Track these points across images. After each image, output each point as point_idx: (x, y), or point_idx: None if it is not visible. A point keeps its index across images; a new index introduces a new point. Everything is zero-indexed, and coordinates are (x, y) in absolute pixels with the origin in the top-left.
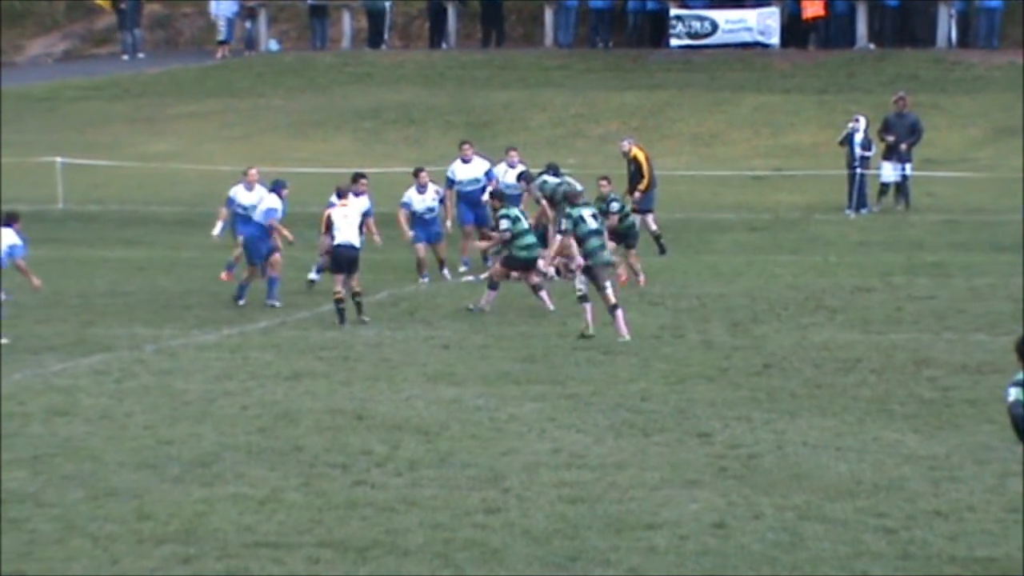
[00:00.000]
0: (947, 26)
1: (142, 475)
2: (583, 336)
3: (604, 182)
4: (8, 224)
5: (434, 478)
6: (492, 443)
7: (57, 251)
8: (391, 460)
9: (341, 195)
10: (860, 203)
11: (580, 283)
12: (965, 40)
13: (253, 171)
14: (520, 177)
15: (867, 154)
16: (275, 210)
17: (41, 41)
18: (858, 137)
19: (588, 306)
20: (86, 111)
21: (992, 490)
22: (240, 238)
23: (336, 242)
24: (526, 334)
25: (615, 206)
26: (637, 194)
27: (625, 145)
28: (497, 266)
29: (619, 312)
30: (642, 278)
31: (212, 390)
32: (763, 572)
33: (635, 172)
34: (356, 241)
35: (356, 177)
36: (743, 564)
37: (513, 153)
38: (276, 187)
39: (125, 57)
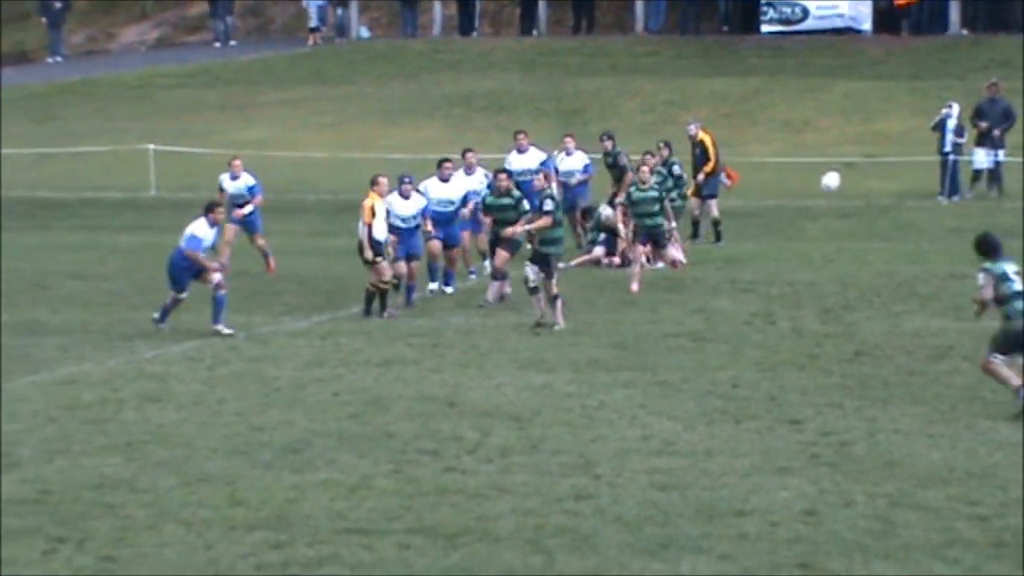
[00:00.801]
0: None
1: (234, 461)
2: (538, 325)
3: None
4: (204, 214)
5: (524, 464)
6: (583, 430)
7: (150, 237)
8: (481, 447)
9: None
10: (952, 190)
11: (532, 273)
12: None
13: (237, 161)
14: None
15: (960, 140)
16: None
17: (134, 29)
18: (951, 123)
19: (536, 298)
20: (178, 99)
21: None
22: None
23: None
24: (615, 321)
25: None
26: (701, 176)
27: (692, 129)
28: (502, 253)
29: (558, 302)
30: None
31: (303, 377)
32: (854, 559)
33: (701, 155)
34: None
35: (440, 163)
36: (834, 551)
37: (521, 138)
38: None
39: (217, 44)
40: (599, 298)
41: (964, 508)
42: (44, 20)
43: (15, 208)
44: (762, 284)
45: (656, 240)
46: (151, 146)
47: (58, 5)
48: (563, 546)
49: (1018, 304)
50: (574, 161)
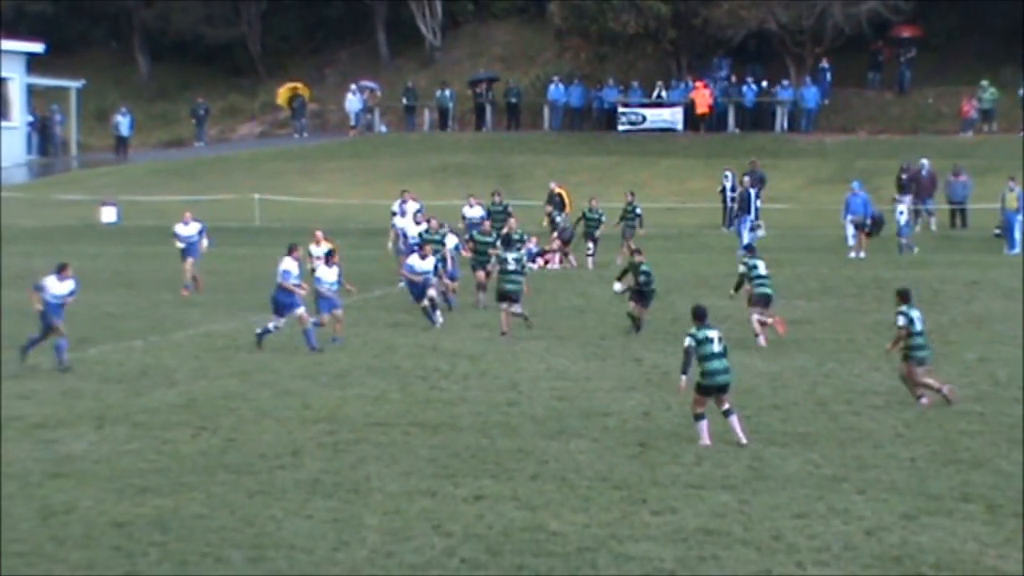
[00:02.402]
0: (781, 118)
1: (304, 382)
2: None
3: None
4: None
5: (477, 385)
6: (511, 364)
7: (255, 250)
8: (451, 374)
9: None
10: (729, 223)
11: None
12: (794, 127)
13: (187, 213)
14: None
15: (733, 195)
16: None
17: (246, 126)
18: (727, 184)
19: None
20: (272, 168)
21: (809, 391)
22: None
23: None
24: (530, 301)
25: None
26: (561, 218)
27: (552, 186)
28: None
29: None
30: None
31: (347, 332)
32: (671, 441)
33: (559, 203)
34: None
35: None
36: (660, 436)
37: (411, 198)
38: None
39: (296, 136)
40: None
41: (736, 411)
42: (193, 120)
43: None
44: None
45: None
46: (256, 196)
47: (202, 112)
48: (500, 433)
49: None
50: (475, 211)
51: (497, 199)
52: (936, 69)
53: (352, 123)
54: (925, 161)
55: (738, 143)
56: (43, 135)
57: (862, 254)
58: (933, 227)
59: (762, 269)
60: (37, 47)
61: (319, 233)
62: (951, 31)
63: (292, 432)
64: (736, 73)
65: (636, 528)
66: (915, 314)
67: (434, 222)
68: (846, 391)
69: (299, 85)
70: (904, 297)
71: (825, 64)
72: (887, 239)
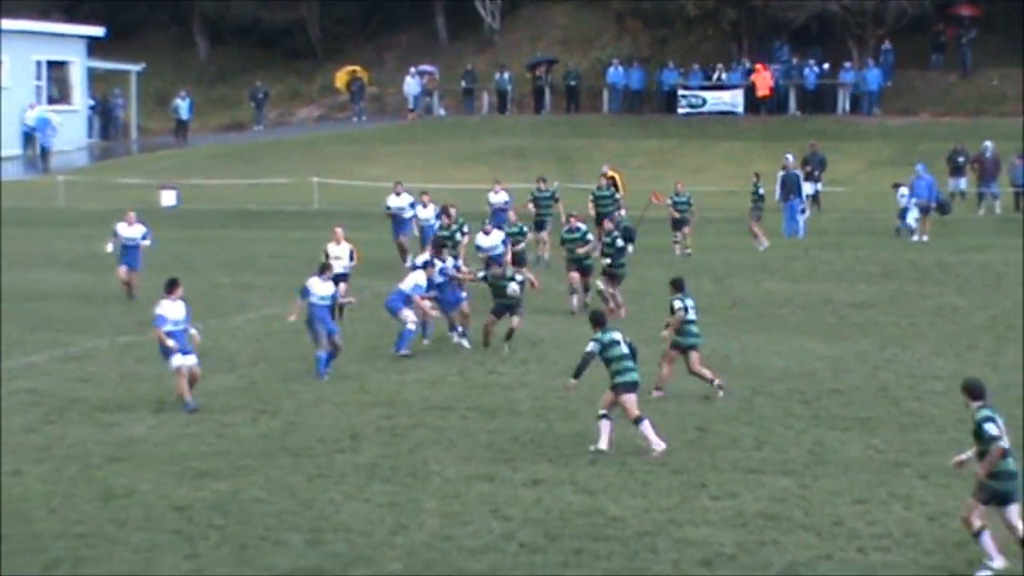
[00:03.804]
0: (843, 101)
1: (362, 366)
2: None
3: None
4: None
5: (535, 369)
6: (569, 349)
7: (313, 234)
8: (510, 359)
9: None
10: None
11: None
12: (856, 109)
13: (131, 214)
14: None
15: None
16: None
17: (305, 110)
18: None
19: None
20: (331, 151)
21: (870, 375)
22: (122, 268)
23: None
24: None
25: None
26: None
27: (605, 169)
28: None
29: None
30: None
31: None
32: (731, 424)
33: (609, 186)
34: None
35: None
36: (718, 420)
37: (497, 184)
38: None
39: (354, 119)
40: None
41: (796, 395)
42: (253, 104)
43: (235, 216)
44: (677, 262)
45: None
46: (315, 179)
47: (261, 95)
48: (558, 418)
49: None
50: (500, 197)
51: (542, 185)
52: (1000, 50)
53: (411, 107)
54: (989, 143)
55: (799, 126)
56: (104, 119)
57: (925, 237)
58: (997, 210)
59: (692, 312)
60: (98, 31)
61: (339, 231)
62: (1012, 11)
63: (350, 416)
64: (797, 55)
65: (695, 513)
66: (689, 302)
67: (453, 211)
68: (908, 376)
69: (358, 68)
70: (677, 287)
71: (887, 46)
72: (951, 223)
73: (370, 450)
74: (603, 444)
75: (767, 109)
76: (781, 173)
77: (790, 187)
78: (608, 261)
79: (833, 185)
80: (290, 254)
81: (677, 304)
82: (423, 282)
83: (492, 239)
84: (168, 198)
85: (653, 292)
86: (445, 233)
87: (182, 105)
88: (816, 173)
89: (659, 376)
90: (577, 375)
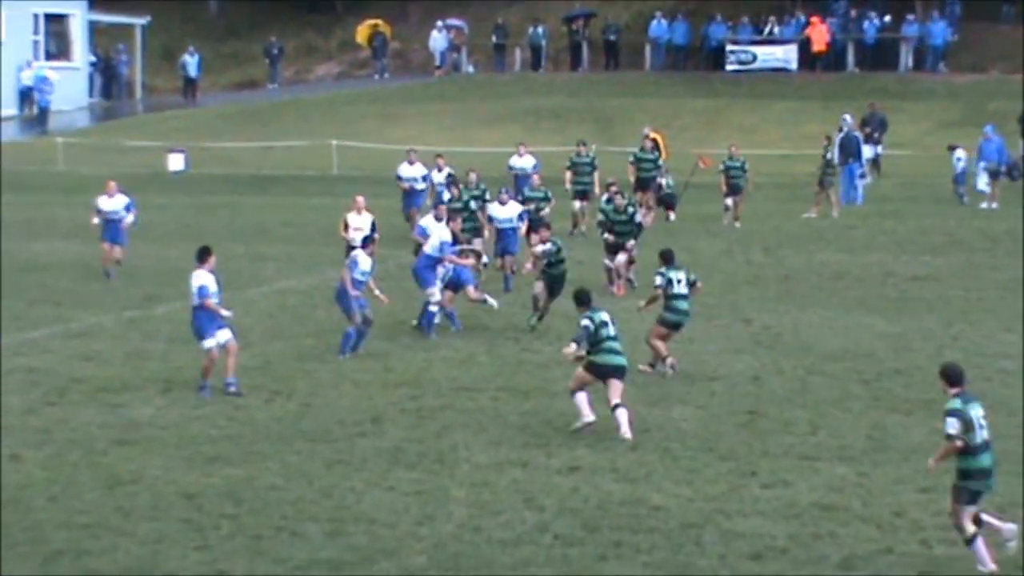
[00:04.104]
0: (906, 56)
1: (386, 343)
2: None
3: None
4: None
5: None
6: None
7: (332, 200)
8: (545, 335)
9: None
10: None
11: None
12: (919, 65)
13: (111, 184)
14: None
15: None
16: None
17: (324, 66)
18: (845, 128)
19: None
20: (351, 112)
21: (935, 354)
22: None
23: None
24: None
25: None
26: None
27: (646, 131)
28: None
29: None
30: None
31: None
32: (783, 408)
33: (655, 149)
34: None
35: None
36: (770, 402)
37: (521, 146)
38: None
39: (376, 77)
40: None
41: (854, 375)
42: (267, 60)
43: (248, 181)
44: (725, 231)
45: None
46: (334, 142)
47: (275, 51)
48: (597, 399)
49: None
50: (525, 161)
51: (582, 150)
52: None
53: (437, 63)
54: None
55: (858, 84)
56: (106, 76)
57: (994, 204)
58: None
59: (682, 286)
60: None
61: (360, 199)
62: None
63: (372, 397)
64: (856, 7)
65: (745, 502)
66: (677, 275)
67: (473, 176)
68: (976, 354)
69: (380, 22)
70: (666, 258)
71: None
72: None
73: (394, 434)
74: (588, 416)
75: (823, 66)
76: (839, 135)
77: (848, 151)
78: (609, 236)
79: (895, 148)
80: (307, 222)
81: (658, 280)
82: (448, 237)
83: (508, 210)
84: (176, 162)
85: (699, 265)
86: (457, 204)
87: (190, 62)
88: (876, 135)
89: (655, 351)
90: (579, 342)
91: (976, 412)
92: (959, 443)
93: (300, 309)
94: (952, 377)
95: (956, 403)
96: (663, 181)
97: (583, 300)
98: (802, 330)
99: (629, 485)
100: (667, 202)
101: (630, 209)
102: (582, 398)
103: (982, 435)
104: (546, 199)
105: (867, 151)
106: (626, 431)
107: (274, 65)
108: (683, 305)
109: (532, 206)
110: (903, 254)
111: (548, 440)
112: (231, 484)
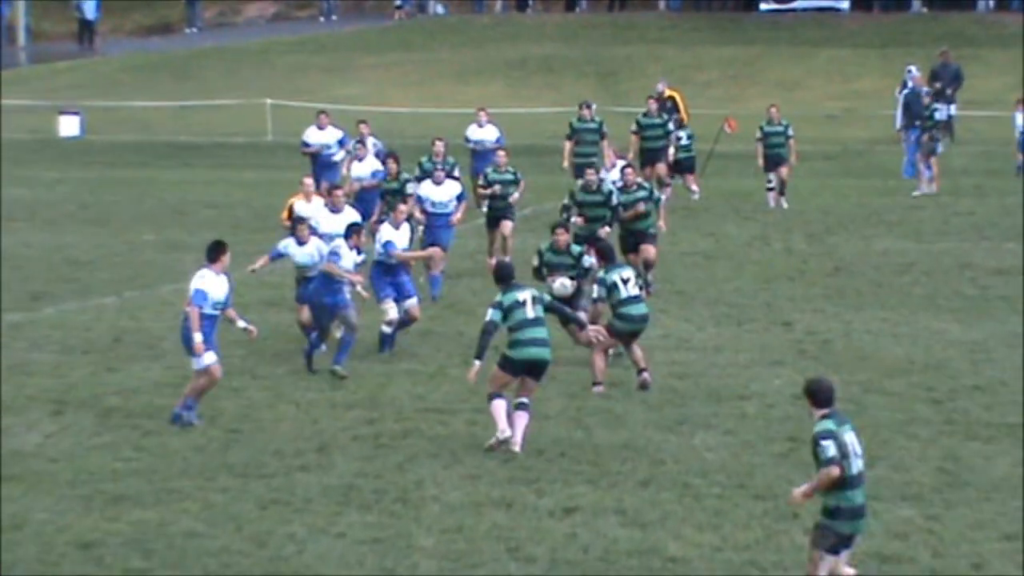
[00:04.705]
0: None
1: (334, 353)
2: None
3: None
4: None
5: (568, 358)
6: None
7: (267, 175)
8: None
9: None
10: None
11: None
12: (1001, 4)
13: None
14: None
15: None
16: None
17: (255, 5)
18: (910, 83)
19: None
20: (290, 63)
21: (1021, 368)
22: None
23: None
24: None
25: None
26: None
27: (660, 87)
28: None
29: None
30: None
31: None
32: None
33: (672, 110)
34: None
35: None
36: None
37: (482, 113)
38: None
39: (322, 19)
40: None
41: (922, 393)
42: None
43: (161, 150)
44: (759, 213)
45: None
46: (268, 100)
47: None
48: (600, 423)
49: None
50: (487, 132)
51: (586, 113)
52: None
53: (397, 2)
54: None
55: (925, 27)
56: None
57: None
58: None
59: (632, 286)
60: None
61: (309, 182)
62: None
63: (318, 421)
64: None
65: (784, 552)
66: (622, 275)
67: (439, 145)
68: None
69: None
70: (605, 255)
71: None
72: None
73: (345, 467)
74: (505, 431)
75: (881, 5)
76: (903, 92)
77: (914, 111)
78: (579, 220)
79: (972, 108)
80: (235, 202)
81: (596, 291)
82: (396, 237)
83: (442, 192)
84: (69, 126)
85: (727, 254)
86: (392, 184)
87: (87, 1)
88: (949, 92)
89: (595, 370)
90: (479, 355)
91: (849, 436)
92: (836, 470)
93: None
94: (818, 395)
95: (828, 424)
96: (680, 135)
97: (501, 276)
98: (856, 336)
99: (639, 531)
100: (683, 165)
101: (606, 187)
102: (500, 407)
103: (857, 464)
104: (515, 182)
105: (938, 111)
106: (517, 440)
107: (192, 4)
108: (637, 309)
109: (489, 191)
110: (983, 240)
111: (538, 475)
112: (139, 530)
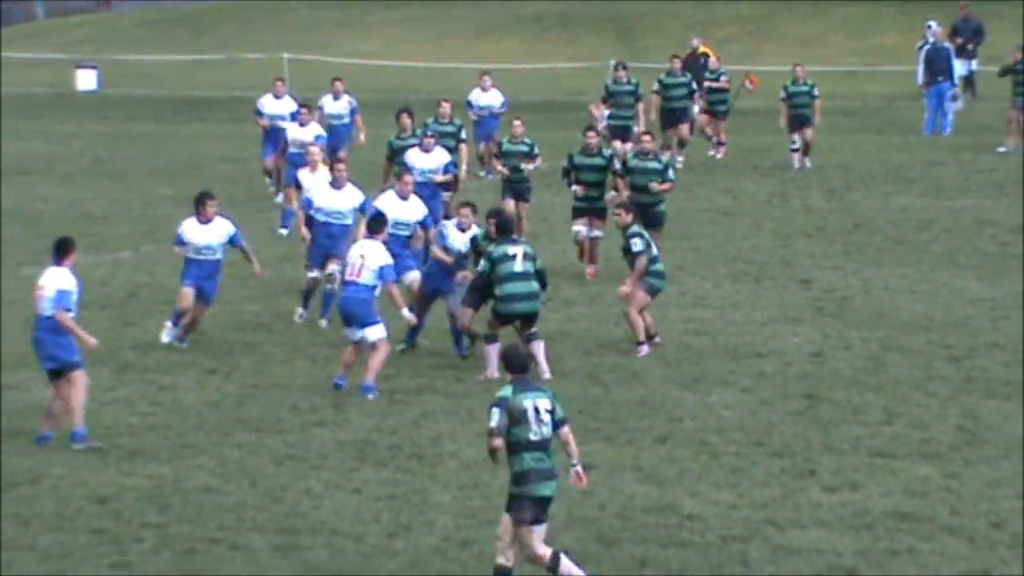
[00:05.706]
0: None
1: None
2: None
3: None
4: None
5: (585, 314)
6: None
7: None
8: (550, 299)
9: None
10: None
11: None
12: None
13: None
14: None
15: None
16: None
17: None
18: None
19: None
20: (306, 17)
21: None
22: None
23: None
24: None
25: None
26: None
27: (695, 42)
28: None
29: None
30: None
31: None
32: (851, 392)
33: (703, 67)
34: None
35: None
36: (835, 385)
37: (486, 78)
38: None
39: None
40: None
41: (941, 351)
42: None
43: (177, 105)
44: (778, 170)
45: None
46: (285, 55)
47: None
48: (616, 380)
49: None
50: (491, 97)
51: (621, 75)
52: None
53: None
54: None
55: None
56: None
57: None
58: None
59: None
60: None
61: (316, 151)
62: None
63: (334, 376)
64: None
65: (802, 510)
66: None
67: (446, 106)
68: None
69: None
70: (498, 226)
71: None
72: None
73: (360, 423)
74: (494, 372)
75: None
76: (924, 47)
77: (936, 66)
78: (578, 188)
79: (994, 63)
80: (251, 156)
81: (638, 244)
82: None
83: (430, 159)
84: (86, 80)
85: (744, 211)
86: (400, 142)
87: None
88: (970, 47)
89: (636, 329)
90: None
91: (530, 403)
92: (496, 440)
93: (242, 267)
94: (509, 361)
95: (506, 391)
96: (712, 77)
97: (498, 227)
98: (875, 294)
99: (656, 488)
100: (712, 110)
101: (606, 150)
102: (493, 351)
103: (539, 432)
104: (531, 155)
105: (959, 67)
106: (545, 369)
107: None
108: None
109: (504, 168)
110: (1003, 197)
111: None
112: (156, 486)
